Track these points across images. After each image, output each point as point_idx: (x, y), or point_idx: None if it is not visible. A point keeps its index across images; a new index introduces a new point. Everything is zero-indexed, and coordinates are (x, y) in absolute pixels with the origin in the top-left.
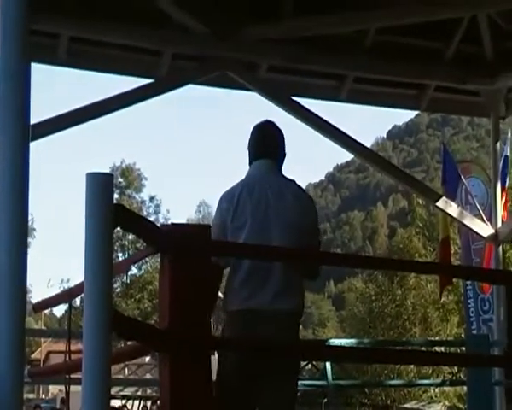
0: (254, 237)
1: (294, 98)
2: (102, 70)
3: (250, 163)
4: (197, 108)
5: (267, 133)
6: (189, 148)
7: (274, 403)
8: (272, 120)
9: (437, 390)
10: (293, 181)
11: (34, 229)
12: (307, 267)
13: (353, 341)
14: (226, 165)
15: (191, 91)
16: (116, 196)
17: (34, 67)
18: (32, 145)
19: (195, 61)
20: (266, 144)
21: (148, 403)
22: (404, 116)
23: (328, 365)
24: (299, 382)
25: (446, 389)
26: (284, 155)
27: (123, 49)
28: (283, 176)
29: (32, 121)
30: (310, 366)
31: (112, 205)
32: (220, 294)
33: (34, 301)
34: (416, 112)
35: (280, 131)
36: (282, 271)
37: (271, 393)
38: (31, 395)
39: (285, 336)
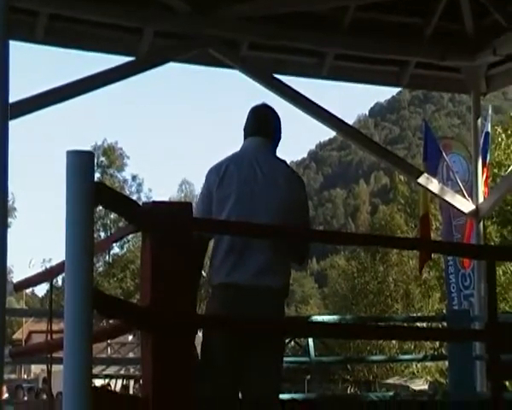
0: (238, 211)
1: (276, 76)
2: (83, 48)
3: (244, 140)
4: (180, 86)
5: (263, 115)
6: (171, 127)
7: (258, 381)
8: (254, 97)
9: (419, 366)
10: (285, 162)
11: (15, 208)
12: (294, 250)
13: (336, 317)
14: (208, 143)
15: (173, 69)
16: (98, 175)
17: (12, 44)
18: (13, 124)
19: (177, 38)
20: (261, 124)
21: (131, 382)
22: (385, 93)
23: (310, 342)
24: (285, 359)
25: (428, 364)
26: (279, 138)
27: (103, 27)
28: (275, 156)
29: (11, 100)
30: (293, 343)
31: (93, 183)
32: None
33: (15, 281)
34: (398, 89)
35: (277, 115)
36: (267, 248)
37: (256, 367)
38: (12, 376)
39: (267, 313)
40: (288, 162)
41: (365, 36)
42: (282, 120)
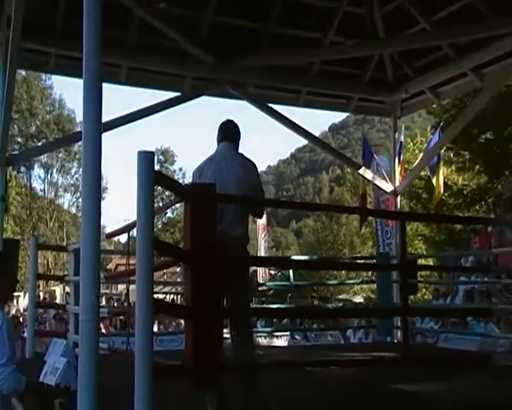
0: (217, 189)
1: (270, 105)
2: (149, 87)
3: (217, 146)
4: (208, 111)
5: (227, 125)
6: (201, 134)
7: (235, 292)
8: (253, 119)
9: (358, 287)
10: (242, 154)
11: (107, 188)
12: (253, 210)
13: (307, 257)
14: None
15: (204, 100)
16: (157, 167)
17: (106, 86)
18: (106, 135)
19: (207, 80)
20: (225, 132)
21: (179, 297)
22: (338, 117)
23: (291, 272)
24: (273, 283)
25: (364, 286)
26: (239, 139)
27: (163, 74)
28: (236, 152)
29: (104, 119)
30: (279, 273)
31: (153, 171)
32: None
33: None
34: (347, 114)
35: (236, 125)
36: (234, 211)
37: (233, 286)
38: (107, 291)
39: (235, 252)
40: (277, 160)
41: (326, 80)
42: (273, 134)
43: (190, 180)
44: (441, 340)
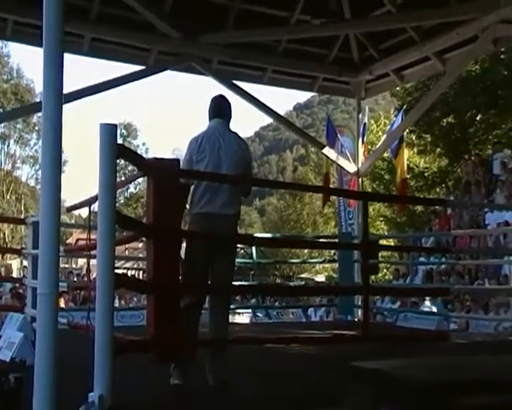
0: (211, 167)
1: (235, 82)
2: (113, 59)
3: (209, 121)
4: (174, 85)
5: (220, 102)
6: (167, 109)
7: (222, 268)
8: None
9: (320, 266)
10: (236, 133)
11: (67, 161)
12: (243, 189)
13: (270, 235)
14: (191, 121)
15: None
16: (120, 140)
17: (67, 56)
18: (67, 107)
19: (172, 55)
20: (220, 109)
21: (141, 272)
22: (303, 96)
23: (253, 249)
24: (237, 260)
25: (326, 265)
26: (231, 117)
27: (127, 46)
28: (230, 129)
29: (65, 90)
30: (242, 251)
31: (116, 144)
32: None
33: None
34: (312, 93)
35: (229, 102)
36: (227, 190)
37: (220, 262)
38: (66, 265)
39: (228, 230)
40: (242, 137)
41: (292, 58)
42: (238, 111)
43: (187, 150)
44: (400, 319)
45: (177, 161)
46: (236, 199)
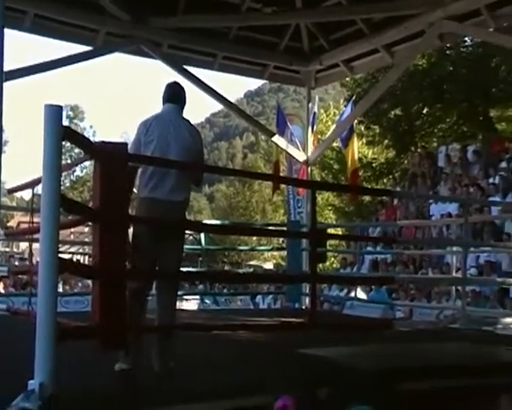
0: (158, 151)
1: (186, 67)
2: (57, 38)
3: (162, 105)
4: (124, 68)
5: (175, 88)
6: (116, 92)
7: (169, 254)
8: (167, 80)
9: (269, 254)
10: (188, 120)
11: (8, 141)
12: (194, 177)
13: (219, 222)
14: (140, 105)
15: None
16: (66, 122)
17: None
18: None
19: (121, 37)
20: (174, 94)
21: (86, 257)
22: (254, 83)
23: (202, 236)
24: (185, 247)
25: (275, 253)
26: (184, 104)
27: (73, 25)
28: (182, 116)
29: (7, 68)
30: (191, 237)
31: (61, 126)
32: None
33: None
34: (262, 81)
35: (183, 88)
36: (175, 176)
37: (168, 249)
38: (7, 249)
39: (176, 217)
40: (192, 123)
41: (242, 45)
42: (189, 97)
43: (136, 132)
44: (347, 307)
45: (125, 144)
46: (185, 186)
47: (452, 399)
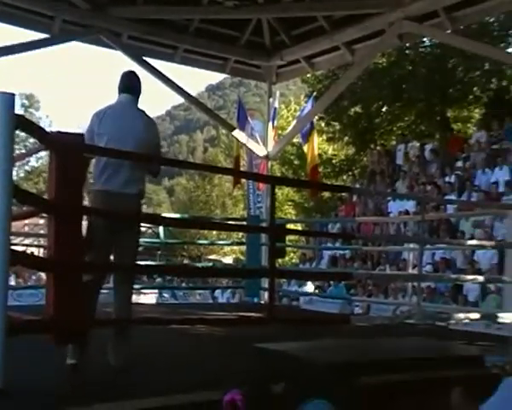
0: (112, 142)
1: (146, 58)
2: (10, 23)
3: (118, 96)
4: (83, 57)
5: (130, 78)
6: (74, 82)
7: (124, 247)
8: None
9: (228, 248)
10: (144, 111)
11: None
12: (150, 169)
13: (178, 215)
14: (99, 95)
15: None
16: (21, 111)
17: None
18: None
19: (80, 26)
20: (129, 84)
21: (41, 249)
22: (216, 77)
23: (161, 229)
24: (144, 240)
25: (234, 247)
26: (140, 94)
27: (29, 12)
28: (138, 107)
29: None
30: (150, 230)
31: (14, 114)
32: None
33: None
34: (224, 75)
35: (138, 78)
36: (130, 168)
37: (122, 241)
38: None
39: (130, 209)
40: (151, 116)
41: (204, 38)
42: (149, 89)
43: (89, 123)
44: (305, 302)
45: (82, 135)
46: (140, 178)
47: (408, 392)
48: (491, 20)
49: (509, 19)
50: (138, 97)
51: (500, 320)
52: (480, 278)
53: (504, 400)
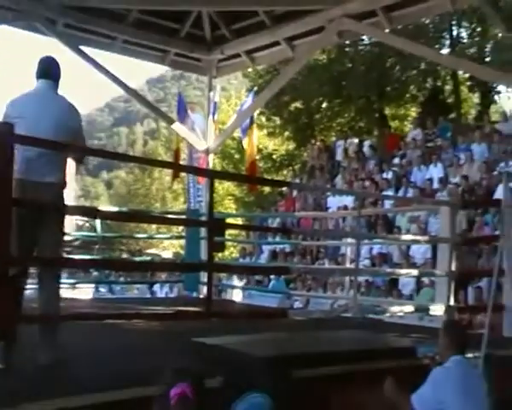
0: (28, 130)
1: (82, 47)
2: None
3: (36, 81)
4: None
5: (49, 63)
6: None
7: (46, 239)
8: (66, 60)
9: (168, 243)
10: (63, 97)
11: None
12: (77, 156)
13: (117, 209)
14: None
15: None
16: None
17: None
18: None
19: (12, 10)
20: (46, 70)
21: None
22: (157, 70)
23: (98, 223)
24: (80, 233)
25: (174, 241)
26: (59, 79)
27: None
28: (57, 93)
29: None
30: (87, 224)
31: None
32: None
33: None
34: (165, 68)
35: (57, 63)
36: (48, 155)
37: (44, 233)
38: None
39: (50, 199)
40: (90, 109)
41: (143, 30)
42: (88, 80)
43: (4, 110)
44: (245, 296)
45: (11, 126)
46: (59, 167)
47: (344, 383)
48: (427, 21)
49: (444, 21)
50: (57, 83)
51: (432, 313)
52: (414, 272)
53: (434, 387)
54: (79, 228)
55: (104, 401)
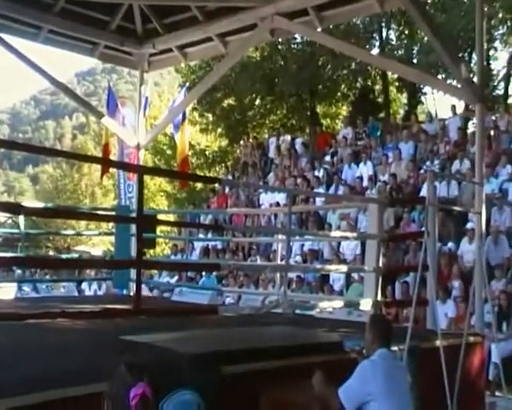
0: None
1: (4, 36)
2: None
3: None
4: None
5: None
6: None
7: None
8: None
9: (98, 239)
10: None
11: None
12: None
13: (42, 205)
14: None
15: None
16: None
17: None
18: None
19: None
20: None
21: None
22: (88, 63)
23: (21, 219)
24: (1, 230)
25: (104, 238)
26: None
27: None
28: None
29: None
30: (10, 221)
31: None
32: None
33: None
34: (96, 60)
35: None
36: None
37: None
38: None
39: None
40: (16, 101)
41: (70, 21)
42: (12, 72)
43: None
44: (175, 294)
45: None
46: None
47: (273, 378)
48: (358, 22)
49: (373, 23)
50: None
51: (361, 308)
52: (344, 268)
53: (362, 380)
54: (1, 225)
55: (28, 405)
